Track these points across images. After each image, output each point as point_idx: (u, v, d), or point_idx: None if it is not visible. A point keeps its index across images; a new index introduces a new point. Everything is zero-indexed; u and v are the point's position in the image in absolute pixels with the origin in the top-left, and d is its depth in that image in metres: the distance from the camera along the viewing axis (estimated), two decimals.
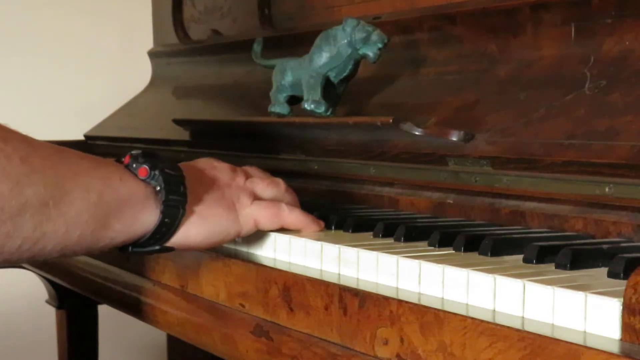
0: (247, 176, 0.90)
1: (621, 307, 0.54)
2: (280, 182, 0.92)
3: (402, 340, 0.65)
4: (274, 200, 0.89)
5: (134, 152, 0.80)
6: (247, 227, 0.86)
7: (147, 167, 0.78)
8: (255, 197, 0.88)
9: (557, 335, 0.55)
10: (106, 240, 0.76)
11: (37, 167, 0.69)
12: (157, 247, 0.80)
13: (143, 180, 0.78)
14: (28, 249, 0.69)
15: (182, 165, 0.84)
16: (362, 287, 0.71)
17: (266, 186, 0.90)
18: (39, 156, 0.70)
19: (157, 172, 0.78)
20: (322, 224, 0.90)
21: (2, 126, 0.69)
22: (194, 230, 0.81)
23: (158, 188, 0.78)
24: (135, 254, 0.81)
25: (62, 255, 0.75)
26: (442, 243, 0.77)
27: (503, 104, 0.93)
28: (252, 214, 0.86)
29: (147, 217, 0.78)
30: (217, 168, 0.88)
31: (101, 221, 0.74)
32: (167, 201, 0.78)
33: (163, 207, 0.78)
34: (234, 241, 0.90)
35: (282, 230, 0.88)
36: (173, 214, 0.78)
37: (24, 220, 0.68)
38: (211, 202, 0.83)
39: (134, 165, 0.78)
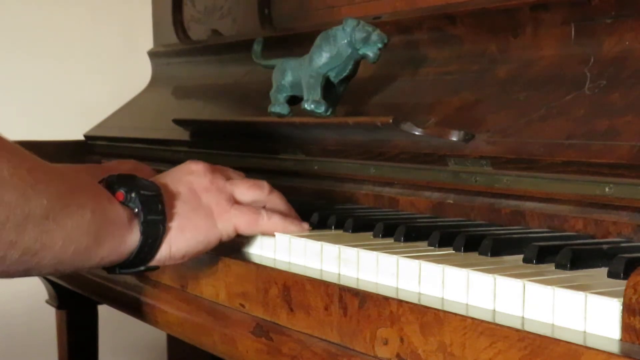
0: (227, 177, 0.89)
1: (621, 307, 0.54)
2: (264, 185, 0.90)
3: (402, 340, 0.65)
4: (255, 205, 0.88)
5: (109, 177, 0.81)
6: (227, 233, 0.85)
7: (123, 191, 0.79)
8: (235, 201, 0.87)
9: (557, 335, 0.55)
10: (97, 258, 0.77)
11: (41, 180, 0.70)
12: (142, 268, 0.81)
13: (121, 204, 0.79)
14: (27, 260, 0.70)
15: (157, 179, 0.85)
16: (362, 287, 0.71)
17: (247, 189, 0.89)
18: (42, 170, 0.72)
19: (133, 195, 0.79)
20: (306, 226, 0.89)
21: (6, 139, 0.70)
22: (175, 245, 0.82)
23: (136, 210, 0.79)
24: (123, 274, 0.82)
25: (55, 271, 0.76)
26: (442, 243, 0.77)
27: (503, 104, 0.93)
28: (232, 220, 0.85)
29: (133, 238, 0.79)
30: (194, 173, 0.87)
31: (93, 238, 0.75)
32: (146, 222, 0.79)
33: (142, 228, 0.79)
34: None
35: None
36: (154, 233, 0.80)
37: (26, 230, 0.68)
38: (188, 212, 0.83)
39: (111, 190, 0.80)
